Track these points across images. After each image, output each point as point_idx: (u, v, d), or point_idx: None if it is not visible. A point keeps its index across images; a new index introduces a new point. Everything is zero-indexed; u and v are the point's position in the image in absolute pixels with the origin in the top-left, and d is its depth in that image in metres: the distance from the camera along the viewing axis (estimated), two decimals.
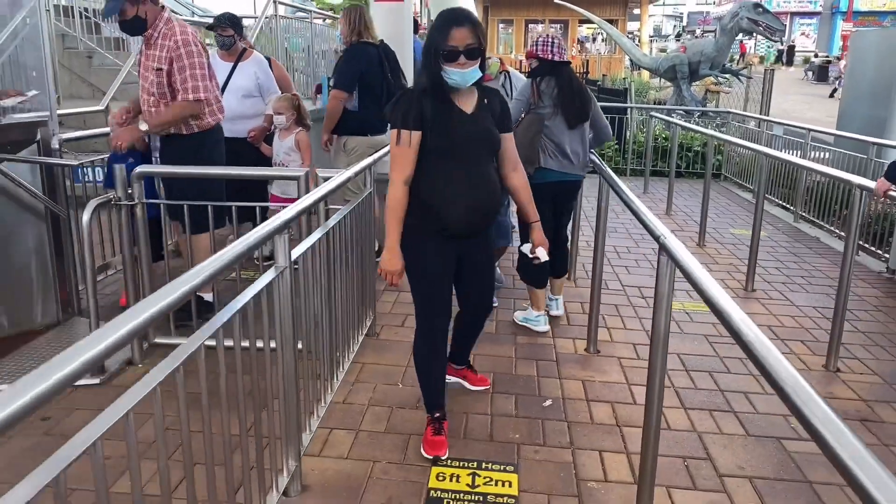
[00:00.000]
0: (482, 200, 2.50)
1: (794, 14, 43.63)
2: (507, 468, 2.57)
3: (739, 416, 3.01)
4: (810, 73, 31.69)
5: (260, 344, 2.05)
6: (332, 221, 2.79)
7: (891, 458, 2.72)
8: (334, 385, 3.03)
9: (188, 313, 3.28)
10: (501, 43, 27.78)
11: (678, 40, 43.87)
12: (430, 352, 2.66)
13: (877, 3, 41.29)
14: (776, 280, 4.98)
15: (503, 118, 2.59)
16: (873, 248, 5.70)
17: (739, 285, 4.83)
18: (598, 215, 3.54)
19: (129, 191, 3.11)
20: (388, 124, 2.49)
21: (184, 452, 1.61)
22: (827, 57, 34.60)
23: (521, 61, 19.91)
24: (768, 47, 37.42)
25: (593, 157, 3.79)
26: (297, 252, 2.34)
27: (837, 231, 6.30)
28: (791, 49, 38.71)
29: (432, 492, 2.42)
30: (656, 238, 2.16)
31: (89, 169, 4.35)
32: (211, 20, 4.65)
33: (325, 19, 9.71)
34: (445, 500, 2.38)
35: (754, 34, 13.79)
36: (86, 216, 2.98)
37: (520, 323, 3.90)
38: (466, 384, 3.12)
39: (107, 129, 4.17)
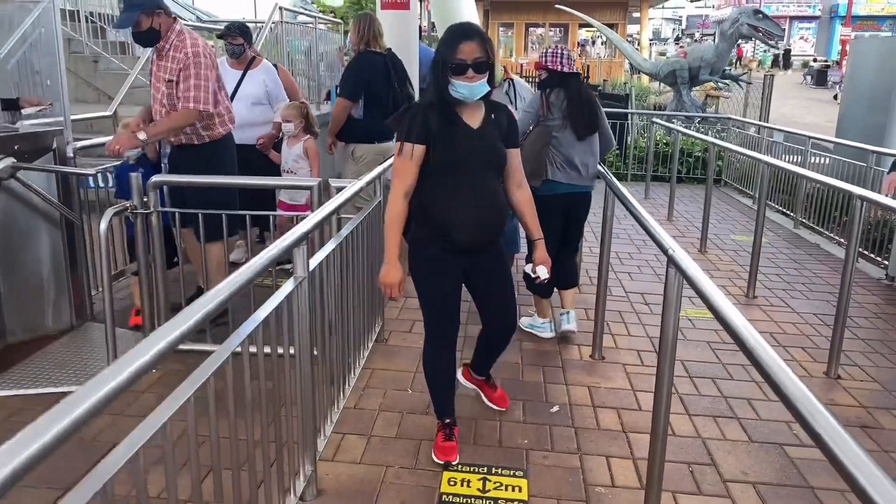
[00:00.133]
0: (487, 215, 2.50)
1: (792, 18, 43.80)
2: (517, 473, 2.63)
3: (742, 423, 3.08)
4: (809, 78, 31.83)
5: (279, 351, 2.11)
6: (346, 231, 2.85)
7: (891, 464, 2.78)
8: (346, 391, 3.09)
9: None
10: (502, 46, 27.84)
11: (677, 43, 44.01)
12: (438, 361, 2.70)
13: (875, 7, 41.45)
14: (777, 287, 5.05)
15: (510, 133, 2.59)
16: (872, 255, 5.77)
17: (741, 292, 4.89)
18: (604, 224, 3.59)
19: (145, 199, 3.17)
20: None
21: (211, 456, 1.68)
22: (826, 61, 34.75)
23: (521, 65, 20.00)
24: (764, 51, 37.58)
25: (599, 166, 3.83)
26: (313, 262, 2.40)
27: (837, 238, 6.37)
28: (787, 53, 38.86)
29: (444, 496, 2.48)
30: (665, 251, 2.22)
31: (99, 174, 4.41)
32: (215, 25, 4.75)
33: (326, 25, 9.79)
34: None
35: (754, 39, 13.86)
36: (103, 225, 3.04)
37: (526, 329, 3.96)
38: (485, 398, 3.11)
39: None
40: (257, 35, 7.10)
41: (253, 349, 1.85)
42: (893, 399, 3.36)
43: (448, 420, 2.73)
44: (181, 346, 1.32)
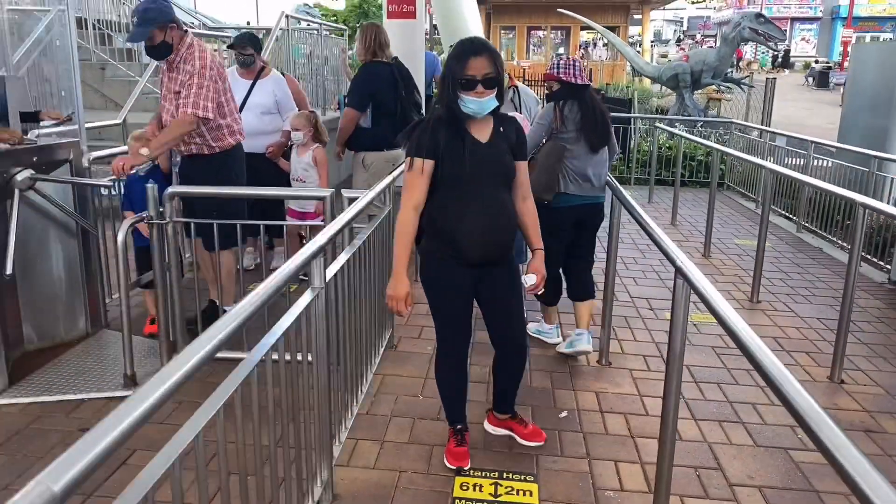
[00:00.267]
0: (497, 229, 2.51)
1: (794, 20, 43.86)
2: (528, 478, 2.69)
3: (748, 427, 3.13)
4: (811, 79, 31.88)
5: (298, 358, 2.18)
6: (359, 241, 2.91)
7: (894, 468, 2.84)
8: (359, 397, 3.15)
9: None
10: (504, 49, 27.94)
11: (678, 45, 44.09)
12: (450, 370, 2.75)
13: (876, 8, 41.50)
14: (780, 291, 5.10)
15: (519, 146, 2.61)
16: (875, 260, 5.82)
17: (745, 297, 4.95)
18: (611, 232, 3.65)
19: (161, 209, 3.24)
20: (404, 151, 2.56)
21: (238, 462, 1.74)
22: (827, 62, 34.81)
23: (524, 69, 20.06)
24: (763, 53, 37.66)
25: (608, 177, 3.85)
26: (329, 272, 2.46)
27: (840, 242, 6.42)
28: (786, 53, 38.90)
29: (457, 501, 2.54)
30: (672, 261, 2.28)
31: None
32: (221, 33, 4.83)
33: (330, 32, 9.87)
34: None
35: (755, 42, 13.93)
36: (121, 235, 3.11)
37: (533, 335, 4.02)
38: (518, 438, 2.91)
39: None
40: (265, 41, 7.18)
41: (275, 356, 1.92)
42: None
43: (460, 426, 2.79)
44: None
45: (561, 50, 29.55)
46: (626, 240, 6.33)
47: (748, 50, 36.11)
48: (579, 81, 3.51)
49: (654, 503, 2.39)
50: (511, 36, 28.80)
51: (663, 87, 16.40)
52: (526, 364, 2.85)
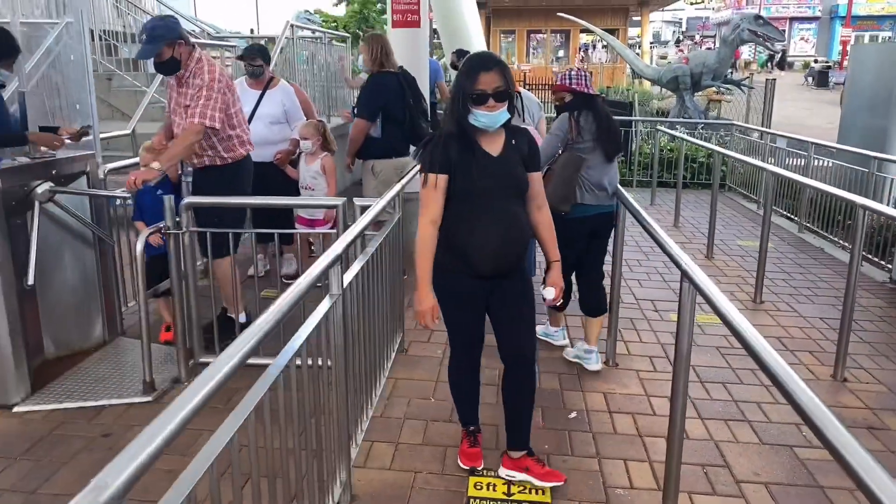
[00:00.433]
0: (508, 242, 2.51)
1: (792, 19, 43.95)
2: None
3: (753, 425, 3.21)
4: (810, 79, 31.95)
5: (318, 363, 2.25)
6: (371, 248, 2.99)
7: None
8: (373, 400, 3.23)
9: (228, 334, 3.50)
10: (504, 52, 28.06)
11: (678, 46, 44.20)
12: (463, 375, 2.81)
13: (875, 7, 41.58)
14: (783, 291, 5.17)
15: (531, 157, 2.63)
16: (876, 259, 5.89)
17: (748, 297, 5.02)
18: (616, 237, 3.72)
19: (178, 220, 3.32)
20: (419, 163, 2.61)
21: (266, 464, 1.82)
22: (826, 62, 34.87)
23: (524, 73, 20.16)
24: (759, 52, 37.75)
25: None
26: (346, 279, 2.54)
27: (841, 241, 6.49)
28: (783, 53, 38.96)
29: (472, 500, 2.62)
30: (677, 264, 2.36)
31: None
32: (226, 42, 4.91)
33: (331, 40, 9.96)
34: None
35: (754, 43, 14.03)
36: (139, 245, 3.19)
37: (541, 337, 4.09)
38: (534, 480, 2.69)
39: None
40: (270, 49, 7.27)
41: (297, 362, 2.00)
42: None
43: (472, 427, 2.86)
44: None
45: (560, 53, 29.69)
46: (629, 242, 6.39)
47: (745, 50, 36.19)
48: (591, 91, 3.54)
49: (663, 500, 2.46)
50: (511, 39, 28.93)
51: (663, 90, 16.48)
52: (536, 385, 2.79)
